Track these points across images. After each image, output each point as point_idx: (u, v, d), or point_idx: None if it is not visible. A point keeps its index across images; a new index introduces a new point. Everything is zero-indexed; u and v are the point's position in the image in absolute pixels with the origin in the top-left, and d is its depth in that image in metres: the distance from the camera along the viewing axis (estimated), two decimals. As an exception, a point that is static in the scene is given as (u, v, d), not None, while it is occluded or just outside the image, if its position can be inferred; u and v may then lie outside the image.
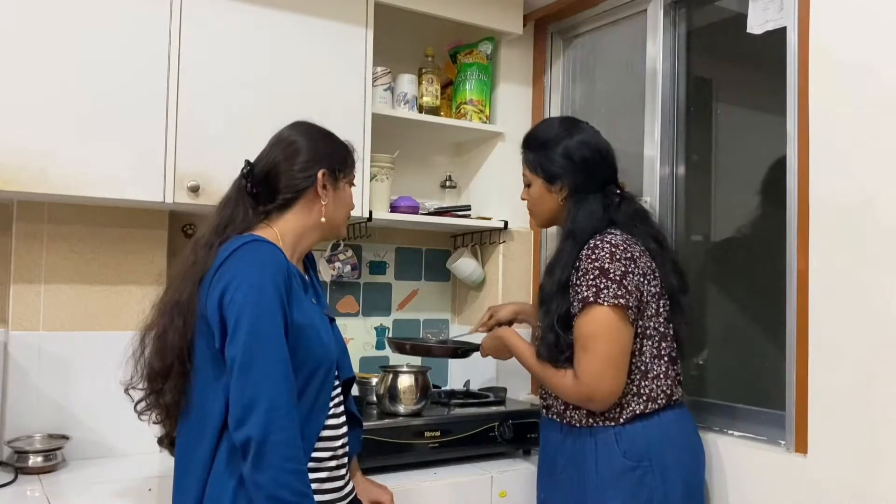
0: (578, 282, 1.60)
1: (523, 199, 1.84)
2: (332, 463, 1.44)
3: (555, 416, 1.72)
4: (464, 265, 2.51)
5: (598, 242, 1.62)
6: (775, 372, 1.72)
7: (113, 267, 2.00)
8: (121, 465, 1.88)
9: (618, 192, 1.73)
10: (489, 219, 2.47)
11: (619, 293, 1.56)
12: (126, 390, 1.44)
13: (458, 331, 2.67)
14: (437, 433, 1.95)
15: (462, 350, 2.11)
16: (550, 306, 1.65)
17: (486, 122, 2.47)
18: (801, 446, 1.62)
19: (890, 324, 1.46)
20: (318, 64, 2.04)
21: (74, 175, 1.71)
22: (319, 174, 1.46)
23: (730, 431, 1.79)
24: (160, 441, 1.49)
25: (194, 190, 1.83)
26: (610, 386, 1.57)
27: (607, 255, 1.59)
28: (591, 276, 1.58)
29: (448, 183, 2.62)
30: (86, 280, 1.97)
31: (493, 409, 2.12)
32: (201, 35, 1.86)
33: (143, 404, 1.43)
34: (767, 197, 1.89)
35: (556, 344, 1.63)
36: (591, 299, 1.57)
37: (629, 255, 1.61)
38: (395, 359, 2.55)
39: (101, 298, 1.98)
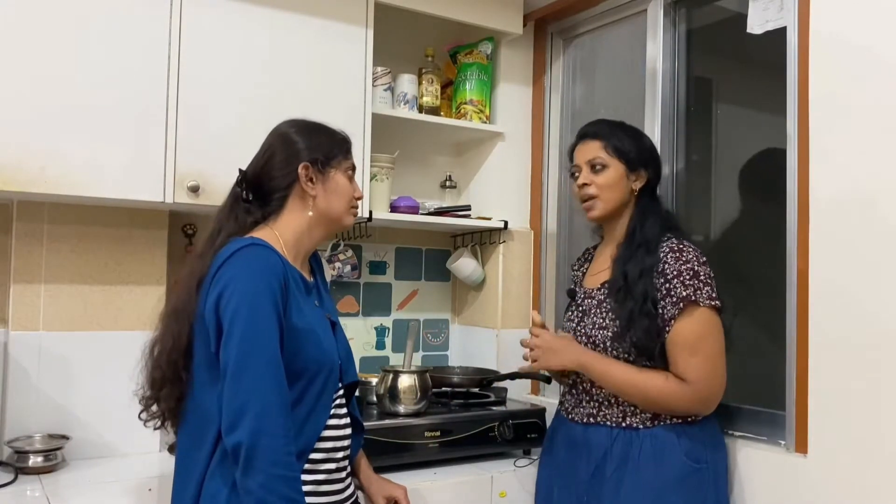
0: (670, 284, 1.58)
1: (586, 183, 1.73)
2: (330, 466, 1.44)
3: (605, 422, 1.66)
4: (464, 265, 2.51)
5: (683, 246, 1.62)
6: (775, 372, 1.72)
7: (113, 267, 2.00)
8: (121, 465, 1.87)
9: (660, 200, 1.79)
10: (489, 219, 2.47)
11: (713, 295, 1.58)
12: (140, 401, 1.47)
13: (458, 330, 2.67)
14: (438, 433, 1.95)
15: (487, 381, 2.23)
16: (635, 291, 1.60)
17: (486, 122, 2.47)
18: (801, 446, 1.62)
19: (890, 324, 1.46)
20: (318, 64, 2.04)
21: (74, 175, 1.71)
22: (300, 169, 1.45)
23: (730, 431, 1.79)
24: (171, 449, 1.49)
25: (194, 190, 1.83)
26: (721, 386, 1.59)
27: (695, 259, 1.60)
28: (686, 277, 1.57)
29: (448, 183, 2.62)
30: (86, 280, 1.97)
31: (493, 409, 2.13)
32: (201, 35, 1.86)
33: (145, 413, 1.46)
34: (767, 197, 1.89)
35: (650, 328, 1.58)
36: (693, 297, 1.56)
37: (705, 259, 1.63)
38: (396, 359, 2.56)
39: (101, 298, 1.98)
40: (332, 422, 1.44)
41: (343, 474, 1.48)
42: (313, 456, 1.40)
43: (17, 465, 1.75)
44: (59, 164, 1.69)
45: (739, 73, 2.09)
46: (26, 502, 1.61)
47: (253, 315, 1.29)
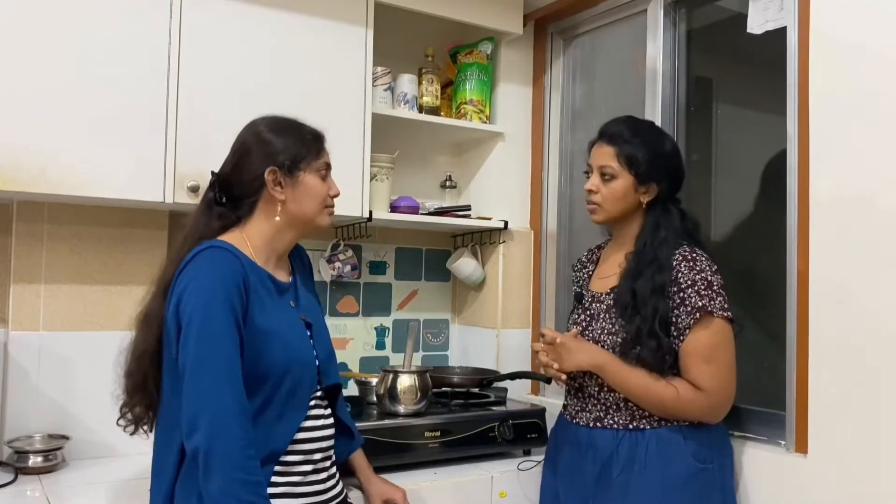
0: (684, 294, 1.58)
1: (592, 189, 1.71)
2: (307, 468, 1.43)
3: (612, 425, 1.65)
4: (464, 265, 2.51)
5: (695, 255, 1.62)
6: (775, 372, 1.72)
7: (113, 267, 2.00)
8: (121, 465, 1.88)
9: (679, 202, 1.75)
10: (489, 219, 2.47)
11: (726, 306, 1.59)
12: (119, 407, 1.47)
13: (458, 330, 2.67)
14: (438, 433, 1.95)
15: (487, 381, 2.23)
16: (645, 310, 1.59)
17: (486, 122, 2.47)
18: (801, 446, 1.62)
19: (890, 324, 1.46)
20: (319, 64, 2.04)
21: (74, 175, 1.71)
22: (267, 174, 1.43)
23: (730, 431, 1.79)
24: None
25: (194, 190, 1.83)
26: (732, 396, 1.61)
27: (708, 268, 1.60)
28: (701, 287, 1.58)
29: (448, 183, 2.62)
30: (86, 280, 1.97)
31: (493, 409, 2.12)
32: (201, 35, 1.86)
33: (123, 420, 1.46)
34: (767, 197, 1.89)
35: (659, 349, 1.57)
36: (708, 308, 1.56)
37: (716, 267, 1.63)
38: (396, 359, 2.56)
39: (101, 298, 1.98)
40: (308, 423, 1.43)
41: (323, 475, 1.47)
42: (288, 458, 1.40)
43: (17, 465, 1.75)
44: (60, 165, 1.69)
45: (739, 73, 2.09)
46: (26, 502, 1.61)
47: (207, 318, 1.29)
